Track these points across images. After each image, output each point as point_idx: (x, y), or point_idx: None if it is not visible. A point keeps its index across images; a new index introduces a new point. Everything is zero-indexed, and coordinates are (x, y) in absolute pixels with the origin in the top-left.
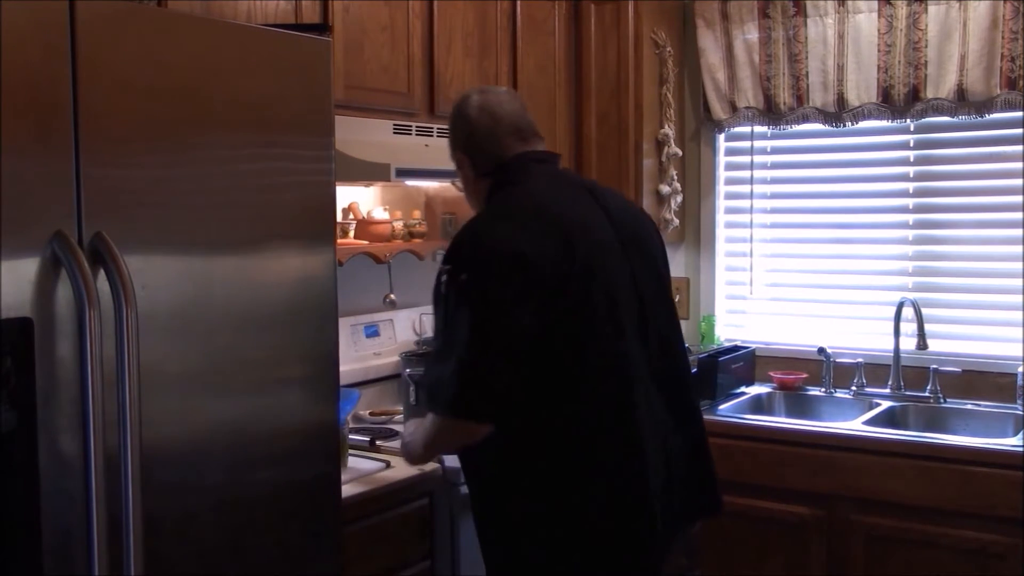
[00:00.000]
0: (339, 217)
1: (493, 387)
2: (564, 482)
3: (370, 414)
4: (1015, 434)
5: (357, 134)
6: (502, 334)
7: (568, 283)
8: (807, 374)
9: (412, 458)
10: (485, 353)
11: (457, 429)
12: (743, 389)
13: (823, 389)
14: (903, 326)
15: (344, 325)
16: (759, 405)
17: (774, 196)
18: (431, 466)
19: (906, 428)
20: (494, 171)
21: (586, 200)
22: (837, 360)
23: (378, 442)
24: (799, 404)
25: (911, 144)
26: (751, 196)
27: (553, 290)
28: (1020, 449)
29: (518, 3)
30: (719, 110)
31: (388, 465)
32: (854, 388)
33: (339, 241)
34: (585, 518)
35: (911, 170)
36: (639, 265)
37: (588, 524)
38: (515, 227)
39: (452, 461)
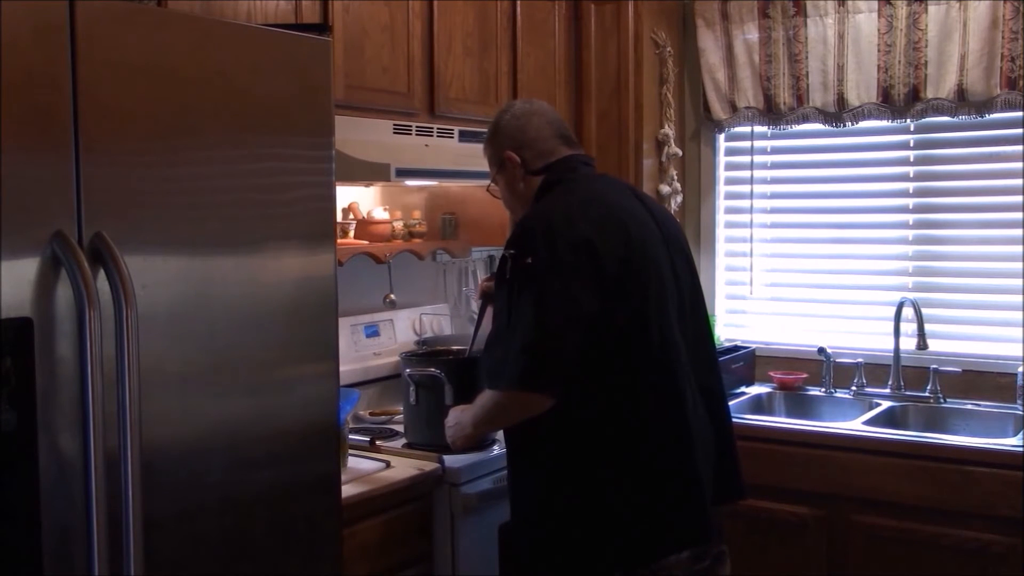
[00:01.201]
0: (339, 217)
1: (559, 362)
2: (617, 460)
3: (370, 414)
4: (1015, 434)
5: (357, 134)
6: (568, 314)
7: (627, 273)
8: (807, 374)
9: (459, 440)
10: (552, 330)
11: (519, 403)
12: (743, 389)
13: (823, 389)
14: (903, 326)
15: (344, 325)
16: (759, 405)
17: (774, 196)
18: (431, 466)
19: (906, 428)
20: (545, 169)
21: (633, 199)
22: (837, 360)
23: (378, 442)
24: (799, 404)
25: (911, 144)
26: (751, 196)
27: (614, 278)
28: (1020, 449)
29: (518, 3)
30: (719, 110)
31: (388, 465)
32: (854, 388)
33: (339, 241)
34: (638, 496)
35: (911, 170)
36: (679, 262)
37: (639, 501)
38: (579, 216)
39: (452, 461)
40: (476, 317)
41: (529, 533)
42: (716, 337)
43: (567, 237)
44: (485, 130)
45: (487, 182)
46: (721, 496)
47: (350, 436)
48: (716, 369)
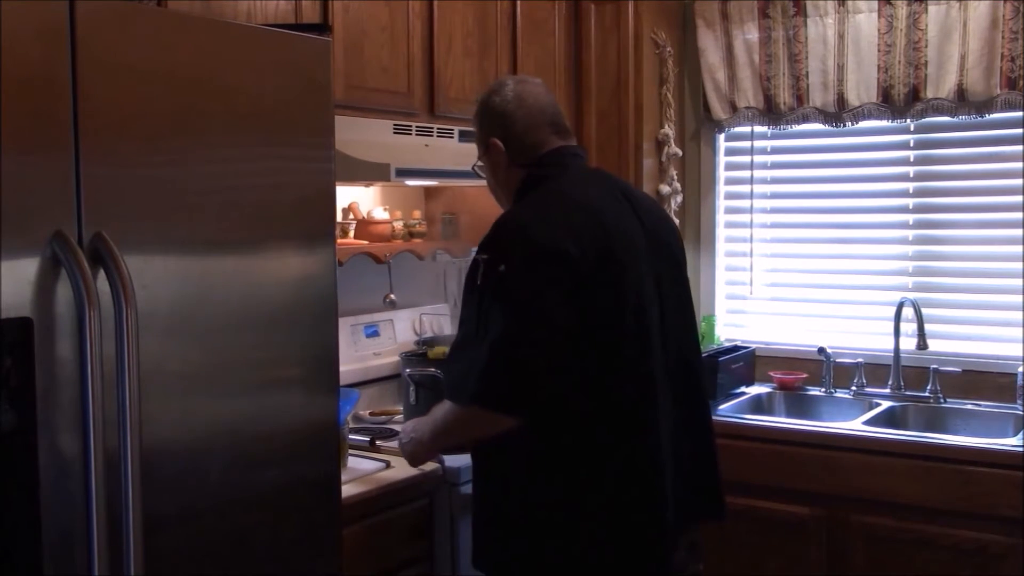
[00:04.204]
0: (339, 217)
1: (524, 381)
2: (579, 480)
3: (370, 414)
4: (1015, 434)
5: (357, 134)
6: (537, 329)
7: (603, 284)
8: (807, 374)
9: (415, 454)
10: (519, 347)
11: (480, 420)
12: (743, 389)
13: (823, 389)
14: (903, 326)
15: (344, 325)
16: (759, 405)
17: (774, 196)
18: (431, 466)
19: (906, 428)
20: (530, 163)
21: (620, 202)
22: (837, 360)
23: (378, 442)
24: (799, 404)
25: (911, 144)
26: (751, 196)
27: (589, 290)
28: (1020, 449)
29: (518, 3)
30: (719, 110)
31: (388, 465)
32: (854, 388)
33: (339, 241)
34: (598, 516)
35: (911, 170)
36: (664, 269)
37: (600, 522)
38: (558, 223)
39: (452, 461)
40: None
41: (491, 551)
42: (716, 338)
43: (544, 247)
44: None
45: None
46: (700, 515)
47: (350, 436)
48: (700, 383)
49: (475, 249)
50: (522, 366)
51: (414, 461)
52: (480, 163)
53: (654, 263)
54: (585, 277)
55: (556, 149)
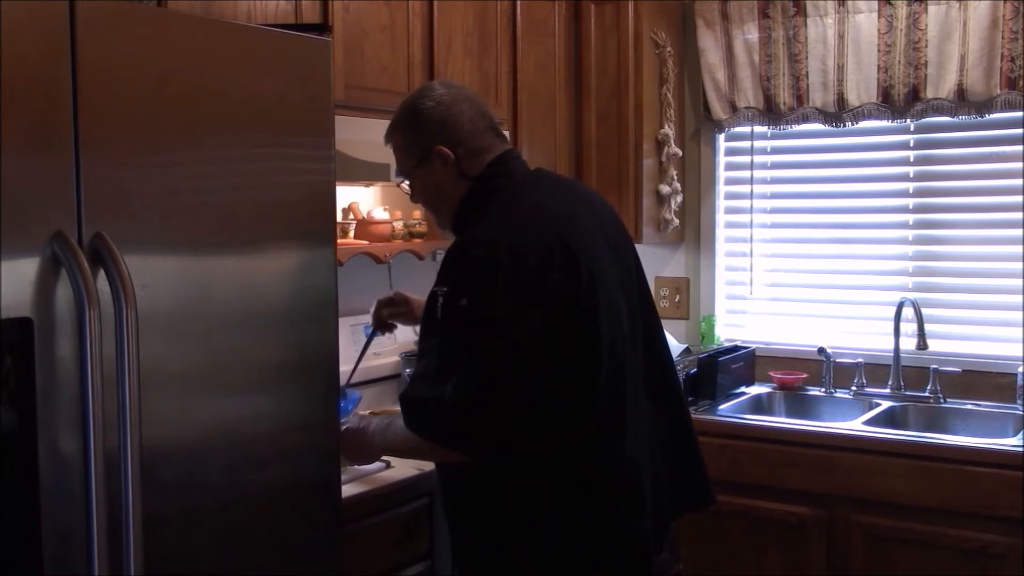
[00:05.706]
0: (339, 217)
1: (490, 426)
2: (555, 489)
3: (370, 414)
4: (1015, 434)
5: (357, 134)
6: (504, 370)
7: (576, 305)
8: (807, 374)
9: (363, 456)
10: (485, 391)
11: (439, 451)
12: (743, 389)
13: (823, 389)
14: (903, 326)
15: (344, 325)
16: (759, 405)
17: (774, 196)
18: (431, 466)
19: (906, 428)
20: (478, 173)
21: (576, 202)
22: (837, 360)
23: None
24: (799, 404)
25: (911, 144)
26: (751, 196)
27: (562, 313)
28: (1020, 449)
29: (518, 3)
30: (719, 110)
31: (388, 465)
32: (854, 388)
33: (339, 241)
34: (575, 524)
35: (911, 170)
36: (626, 263)
37: (579, 530)
38: (520, 246)
39: None
40: (362, 347)
41: (468, 560)
42: (716, 338)
43: (508, 278)
44: None
45: None
46: (684, 507)
47: None
48: (670, 372)
49: None
50: (489, 408)
51: (355, 459)
52: (408, 177)
53: (618, 268)
54: (556, 301)
55: (503, 154)
